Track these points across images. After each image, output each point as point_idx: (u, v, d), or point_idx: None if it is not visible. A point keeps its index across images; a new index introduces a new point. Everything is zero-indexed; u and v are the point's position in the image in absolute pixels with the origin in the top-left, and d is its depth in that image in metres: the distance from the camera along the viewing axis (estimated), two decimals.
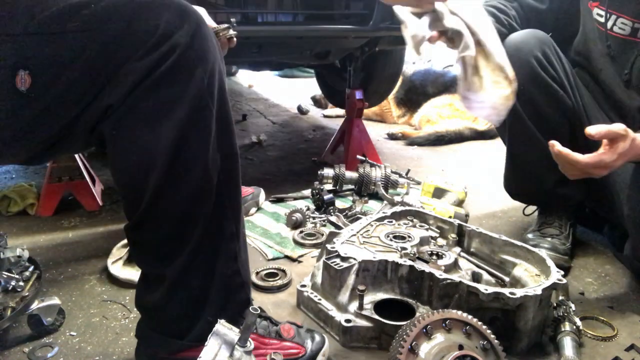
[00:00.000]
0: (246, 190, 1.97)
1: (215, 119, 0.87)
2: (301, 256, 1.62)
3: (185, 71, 0.80)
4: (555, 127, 1.52)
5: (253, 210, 1.96)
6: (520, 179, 1.69)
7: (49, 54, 0.76)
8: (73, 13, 0.76)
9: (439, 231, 1.51)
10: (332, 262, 1.24)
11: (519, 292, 1.10)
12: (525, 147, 1.58)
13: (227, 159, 0.92)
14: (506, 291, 1.10)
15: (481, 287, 1.12)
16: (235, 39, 1.22)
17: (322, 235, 1.71)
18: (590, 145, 1.48)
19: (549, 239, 1.59)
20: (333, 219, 1.82)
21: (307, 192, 2.14)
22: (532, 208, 1.80)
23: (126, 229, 0.91)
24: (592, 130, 1.17)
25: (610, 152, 1.17)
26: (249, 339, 0.84)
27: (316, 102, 4.27)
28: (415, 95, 3.63)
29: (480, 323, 1.00)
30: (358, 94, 2.51)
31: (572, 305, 1.21)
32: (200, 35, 0.82)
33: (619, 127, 1.16)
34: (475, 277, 1.28)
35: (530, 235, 1.64)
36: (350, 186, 2.19)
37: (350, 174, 2.17)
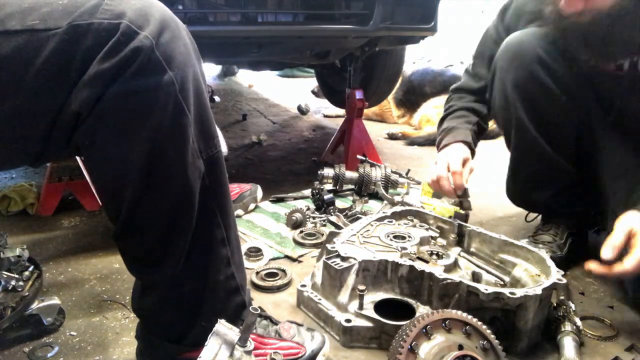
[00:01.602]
0: (244, 187, 1.98)
1: (194, 123, 0.84)
2: (301, 256, 1.61)
3: (152, 77, 0.75)
4: (559, 133, 1.50)
5: (252, 206, 1.97)
6: (520, 188, 1.68)
7: (10, 52, 0.71)
8: (33, 10, 0.73)
9: (439, 231, 1.51)
10: (332, 262, 1.24)
11: (519, 292, 1.10)
12: (527, 155, 1.57)
13: (211, 162, 0.89)
14: (506, 291, 1.10)
15: (481, 287, 1.12)
16: None
17: (322, 235, 1.71)
18: (593, 155, 1.46)
19: (540, 245, 1.55)
20: (333, 218, 1.82)
21: (307, 192, 2.14)
22: (534, 214, 1.77)
23: (112, 237, 0.90)
24: (605, 256, 1.14)
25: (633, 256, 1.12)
26: (249, 338, 0.84)
27: (316, 94, 4.28)
28: (414, 95, 3.63)
29: (480, 323, 1.00)
30: (358, 94, 2.51)
31: (572, 305, 1.21)
32: (166, 35, 0.76)
33: (621, 231, 1.15)
34: (475, 277, 1.28)
35: (523, 241, 1.58)
36: (350, 186, 2.19)
37: (350, 174, 2.17)
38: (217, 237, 0.94)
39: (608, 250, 1.14)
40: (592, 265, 1.16)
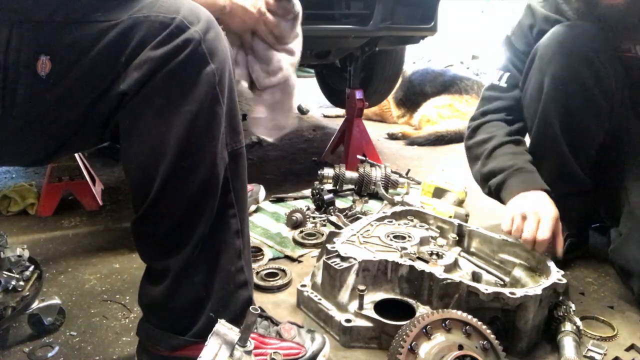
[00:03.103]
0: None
1: (225, 115, 0.90)
2: (301, 256, 1.61)
3: (197, 66, 0.83)
4: (584, 137, 1.43)
5: (253, 207, 1.96)
6: None
7: (71, 41, 0.79)
8: (95, 5, 0.80)
9: (439, 231, 1.51)
10: (332, 262, 1.24)
11: (519, 292, 1.10)
12: (543, 151, 1.49)
13: (234, 156, 0.94)
14: (506, 291, 1.10)
15: (481, 287, 1.12)
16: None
17: (322, 235, 1.71)
18: (616, 161, 1.41)
19: None
20: (333, 218, 1.82)
21: (307, 192, 2.14)
22: None
23: (133, 222, 0.92)
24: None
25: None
26: (249, 338, 0.84)
27: None
28: (414, 95, 3.63)
29: (480, 323, 1.00)
30: (358, 94, 2.51)
31: (572, 305, 1.20)
32: (212, 34, 0.85)
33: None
34: (475, 277, 1.28)
35: (520, 240, 1.59)
36: (350, 186, 2.19)
37: (350, 174, 2.17)
38: (233, 228, 0.97)
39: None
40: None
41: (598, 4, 1.21)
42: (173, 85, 0.82)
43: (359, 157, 2.33)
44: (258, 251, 1.59)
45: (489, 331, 1.00)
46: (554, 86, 1.40)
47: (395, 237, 1.42)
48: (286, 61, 1.14)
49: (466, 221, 1.56)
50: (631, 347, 1.18)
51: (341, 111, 3.77)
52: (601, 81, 1.36)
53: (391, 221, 1.53)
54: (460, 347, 0.93)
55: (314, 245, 1.67)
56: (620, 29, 1.24)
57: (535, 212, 1.28)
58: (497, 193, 1.47)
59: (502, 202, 1.44)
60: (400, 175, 2.21)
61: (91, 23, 0.79)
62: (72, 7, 0.79)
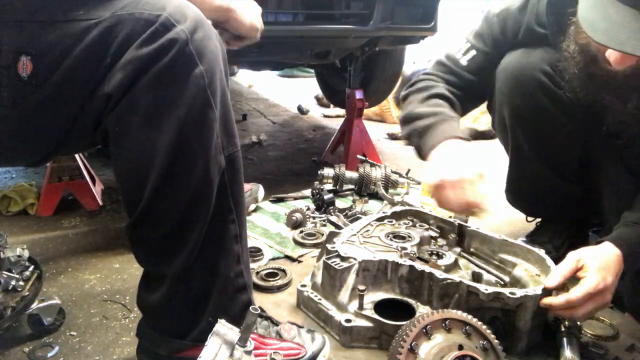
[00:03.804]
0: (244, 187, 1.97)
1: (219, 119, 0.87)
2: (301, 256, 1.61)
3: (184, 68, 0.80)
4: (560, 158, 1.43)
5: (252, 207, 1.97)
6: (518, 198, 1.66)
7: (51, 41, 0.76)
8: (81, 4, 0.78)
9: (439, 231, 1.51)
10: (332, 262, 1.24)
11: (519, 292, 1.10)
12: (525, 176, 1.53)
13: (230, 160, 0.92)
14: (506, 291, 1.10)
15: (481, 287, 1.12)
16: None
17: (322, 235, 1.71)
18: (594, 174, 1.39)
19: (536, 245, 1.46)
20: (333, 218, 1.82)
21: (307, 192, 2.14)
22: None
23: (126, 227, 0.91)
24: (549, 284, 1.10)
25: (576, 290, 1.06)
26: (249, 338, 0.84)
27: (319, 100, 4.29)
28: None
29: (480, 323, 1.00)
30: (358, 94, 2.51)
31: None
32: (200, 33, 0.81)
33: (568, 263, 1.11)
34: (475, 277, 1.28)
35: (520, 240, 1.58)
36: (350, 186, 2.19)
37: (350, 174, 2.17)
38: (231, 233, 0.96)
39: (553, 277, 1.10)
40: (545, 300, 1.09)
41: (598, 64, 1.10)
42: (159, 89, 0.79)
43: (359, 157, 2.33)
44: (258, 251, 1.59)
45: (489, 331, 1.00)
46: (515, 118, 1.43)
47: (395, 237, 1.42)
48: None
49: (466, 221, 1.56)
50: (631, 347, 1.18)
51: (341, 111, 3.77)
52: (559, 103, 1.33)
53: (391, 221, 1.53)
54: (460, 347, 0.93)
55: (314, 245, 1.67)
56: (615, 91, 1.16)
57: (458, 179, 1.20)
58: (418, 136, 1.37)
59: (420, 149, 1.36)
60: (400, 175, 2.21)
61: (73, 22, 0.77)
62: (54, 6, 0.77)
